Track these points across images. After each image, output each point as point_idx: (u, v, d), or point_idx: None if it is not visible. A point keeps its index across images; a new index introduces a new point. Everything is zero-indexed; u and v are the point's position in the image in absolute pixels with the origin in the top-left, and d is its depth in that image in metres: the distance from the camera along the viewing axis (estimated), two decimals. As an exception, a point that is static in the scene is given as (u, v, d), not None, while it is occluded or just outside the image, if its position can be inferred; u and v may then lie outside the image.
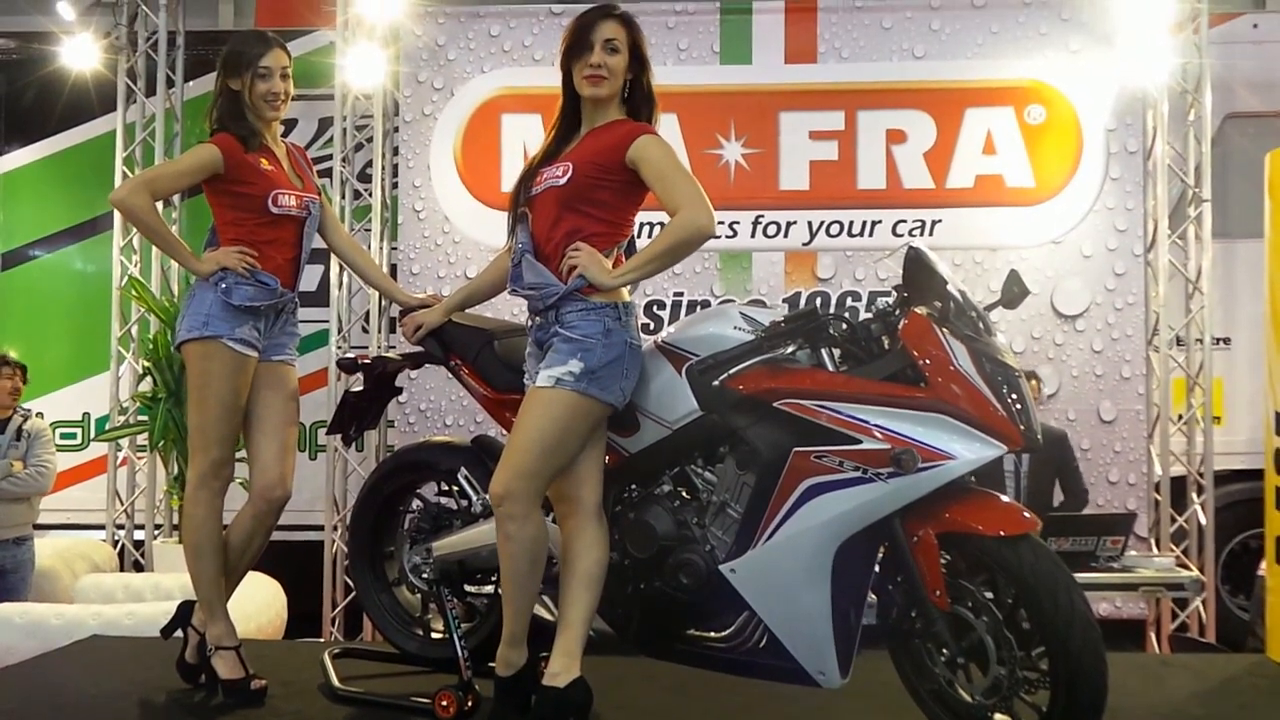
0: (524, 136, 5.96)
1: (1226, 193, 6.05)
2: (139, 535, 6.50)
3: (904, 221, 5.88)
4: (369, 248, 6.32)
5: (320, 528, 6.08)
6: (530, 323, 2.86)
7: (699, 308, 5.84)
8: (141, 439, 6.34)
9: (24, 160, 7.03)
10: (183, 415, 5.74)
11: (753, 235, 5.94)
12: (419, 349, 3.23)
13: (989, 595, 2.53)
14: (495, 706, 2.82)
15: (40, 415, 5.69)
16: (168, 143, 6.57)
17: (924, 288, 2.59)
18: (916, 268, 2.57)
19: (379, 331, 6.17)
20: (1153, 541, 5.72)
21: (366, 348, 6.17)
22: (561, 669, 2.71)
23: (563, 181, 2.74)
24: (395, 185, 6.24)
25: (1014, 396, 2.53)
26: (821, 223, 5.92)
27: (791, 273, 5.96)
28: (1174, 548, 5.74)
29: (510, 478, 2.67)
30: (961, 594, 2.54)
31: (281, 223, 3.20)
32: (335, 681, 3.22)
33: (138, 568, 6.37)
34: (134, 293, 6.21)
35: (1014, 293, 2.76)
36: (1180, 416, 5.92)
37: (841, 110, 5.92)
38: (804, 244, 5.93)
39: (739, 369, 2.65)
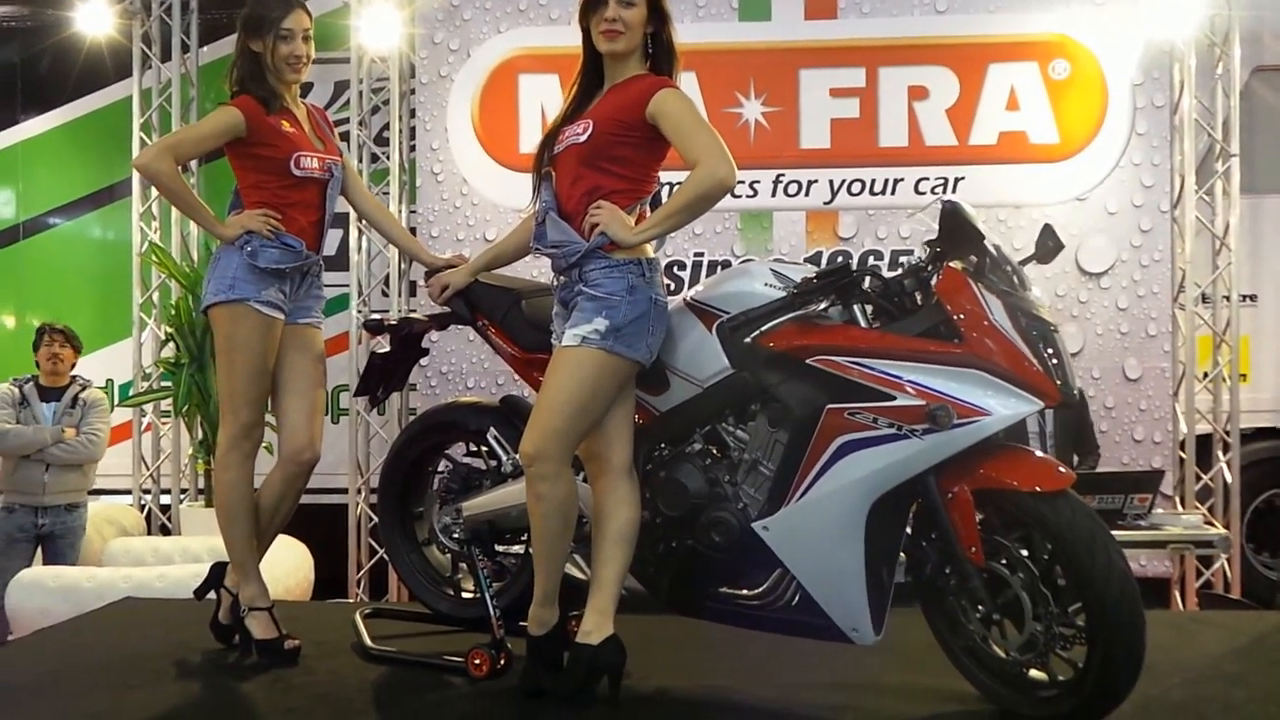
0: (542, 97, 5.93)
1: (1254, 147, 5.98)
2: (165, 500, 6.55)
3: (926, 179, 5.82)
4: (388, 211, 6.30)
5: (344, 491, 6.11)
6: (555, 282, 2.85)
7: (719, 268, 5.80)
8: (165, 404, 6.36)
9: (41, 128, 7.02)
10: (206, 380, 5.78)
11: (773, 194, 5.89)
12: (445, 309, 3.22)
13: (1024, 552, 2.52)
14: (528, 665, 2.83)
15: (91, 384, 5.74)
16: (184, 108, 6.55)
17: (959, 242, 2.55)
18: (953, 222, 2.53)
19: (399, 295, 6.17)
20: (1177, 500, 5.69)
21: (387, 311, 6.16)
22: (594, 627, 2.71)
23: (583, 139, 2.72)
24: (413, 148, 6.20)
25: (1050, 351, 2.50)
26: (843, 181, 5.86)
27: (813, 232, 5.91)
28: (1198, 505, 5.71)
29: (540, 437, 2.66)
30: (996, 550, 2.53)
31: (304, 185, 3.18)
32: (367, 641, 3.23)
33: (164, 531, 6.42)
34: (155, 258, 6.20)
35: (1048, 247, 2.73)
36: (1205, 374, 5.88)
37: (862, 67, 5.84)
38: (825, 203, 5.87)
39: (770, 326, 2.63)
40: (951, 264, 2.57)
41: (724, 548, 2.72)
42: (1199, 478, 5.77)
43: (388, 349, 3.31)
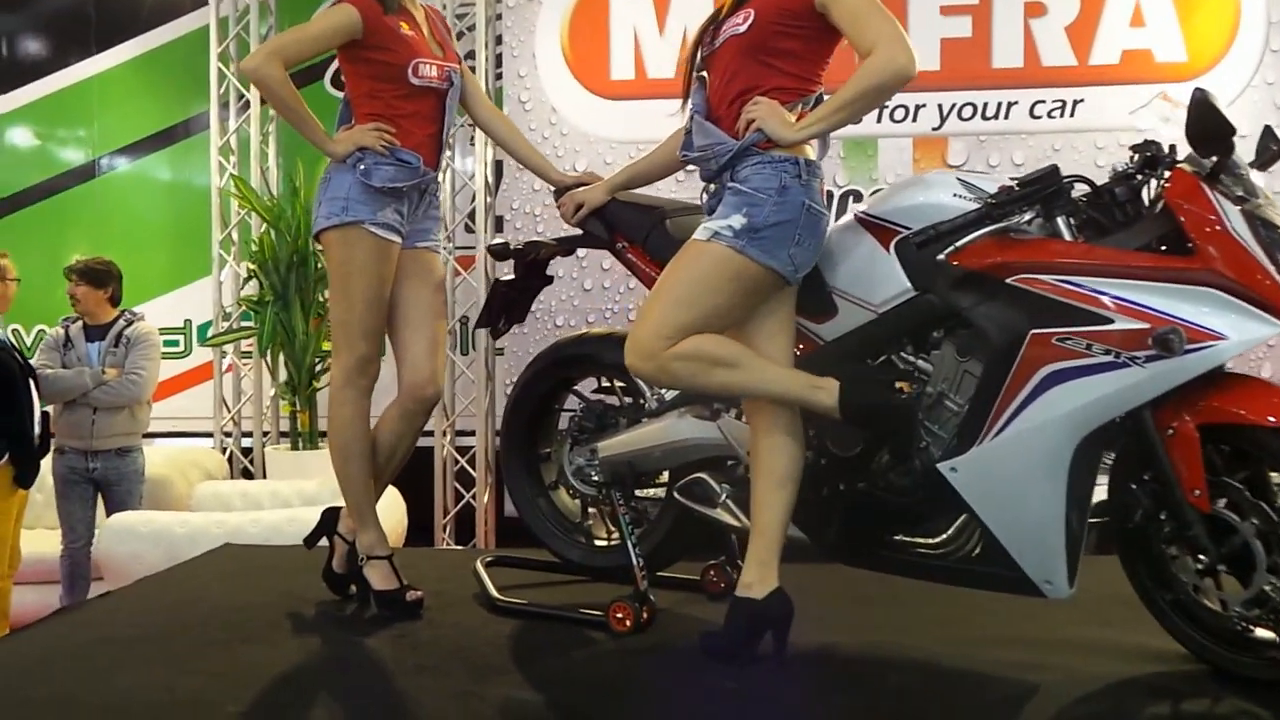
0: (635, 21, 5.65)
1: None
2: (246, 443, 6.38)
3: (1042, 102, 5.46)
4: (471, 142, 6.05)
5: (430, 433, 5.91)
6: (704, 195, 2.56)
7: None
8: (246, 344, 6.19)
9: (115, 61, 6.79)
10: (290, 318, 5.58)
11: (879, 120, 5.53)
12: (575, 232, 2.96)
13: (1247, 493, 2.22)
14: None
15: (142, 319, 5.35)
16: (263, 37, 6.28)
17: (1208, 140, 2.23)
18: (1205, 113, 2.20)
19: (484, 231, 5.92)
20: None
21: (473, 248, 5.94)
22: (756, 579, 2.45)
23: (744, 29, 2.42)
24: (499, 75, 5.92)
25: (1289, 266, 2.19)
26: (953, 105, 5.52)
27: (920, 160, 5.57)
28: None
29: (632, 341, 2.42)
30: (1218, 492, 2.23)
31: (422, 95, 2.91)
32: (493, 592, 3.00)
33: (247, 475, 6.25)
34: (236, 192, 5.97)
35: (1271, 151, 2.40)
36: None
37: (975, -18, 5.49)
38: (934, 129, 5.53)
39: (964, 241, 2.31)
40: (1181, 166, 2.25)
41: (903, 491, 2.44)
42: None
43: (511, 276, 3.05)
